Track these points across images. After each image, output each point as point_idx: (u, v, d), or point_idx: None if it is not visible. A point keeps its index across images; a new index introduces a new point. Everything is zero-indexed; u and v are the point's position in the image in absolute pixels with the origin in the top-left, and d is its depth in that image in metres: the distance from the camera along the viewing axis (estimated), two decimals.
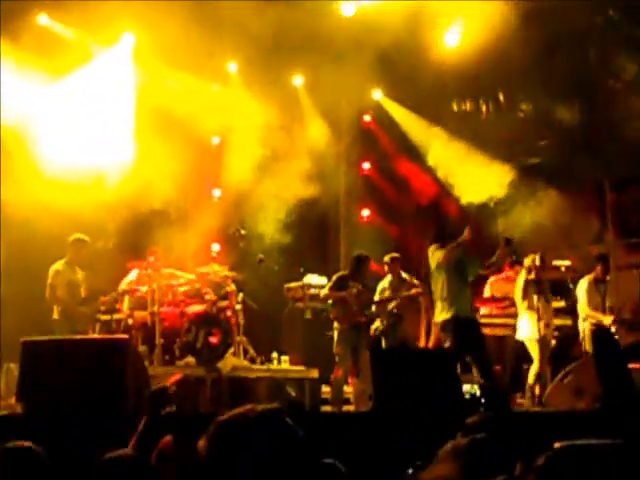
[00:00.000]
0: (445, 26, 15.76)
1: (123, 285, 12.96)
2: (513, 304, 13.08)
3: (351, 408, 12.11)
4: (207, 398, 11.41)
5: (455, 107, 17.98)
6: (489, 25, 15.63)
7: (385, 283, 13.20)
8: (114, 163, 13.87)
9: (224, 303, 13.08)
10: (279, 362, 13.28)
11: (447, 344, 10.76)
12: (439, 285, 11.05)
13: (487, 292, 13.74)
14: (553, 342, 12.69)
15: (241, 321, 13.08)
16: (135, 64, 14.74)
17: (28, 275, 13.16)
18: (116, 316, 12.61)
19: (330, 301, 12.67)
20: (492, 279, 13.58)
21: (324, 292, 12.91)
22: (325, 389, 13.04)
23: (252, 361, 12.98)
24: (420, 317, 13.31)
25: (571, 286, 12.81)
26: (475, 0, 14.71)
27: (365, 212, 18.44)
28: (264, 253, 14.39)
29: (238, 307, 13.11)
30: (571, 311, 13.00)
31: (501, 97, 17.38)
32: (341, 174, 18.19)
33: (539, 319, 12.23)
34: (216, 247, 15.45)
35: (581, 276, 13.40)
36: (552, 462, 2.44)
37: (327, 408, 12.25)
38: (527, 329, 12.43)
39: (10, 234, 13.20)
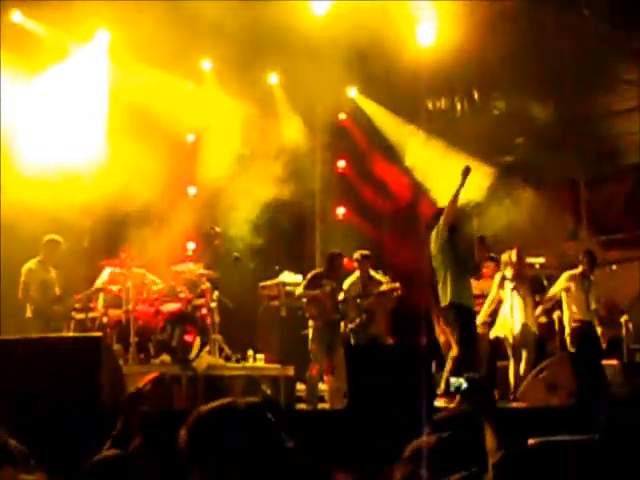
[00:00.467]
0: (420, 24, 15.77)
1: (98, 284, 12.93)
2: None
3: (326, 406, 12.11)
4: (182, 396, 11.38)
5: (430, 105, 18.02)
6: (463, 23, 15.68)
7: (353, 279, 13.17)
8: (88, 161, 13.80)
9: (199, 301, 13.06)
10: (254, 360, 13.27)
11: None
12: (441, 271, 11.09)
13: None
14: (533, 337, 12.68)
15: (216, 319, 13.05)
16: (110, 61, 14.68)
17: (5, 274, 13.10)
18: (90, 314, 12.56)
19: (305, 299, 12.67)
20: None
21: (299, 290, 12.90)
22: (300, 387, 13.04)
23: (227, 359, 12.95)
24: (388, 314, 13.36)
25: (545, 283, 12.84)
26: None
27: (340, 210, 18.46)
28: (239, 251, 14.37)
29: (213, 305, 13.08)
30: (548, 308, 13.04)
31: (476, 95, 17.43)
32: (316, 172, 18.20)
33: (512, 316, 12.29)
34: (191, 245, 15.43)
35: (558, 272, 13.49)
36: (508, 458, 2.45)
37: (302, 406, 12.25)
38: (499, 326, 12.48)
39: None
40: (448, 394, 10.02)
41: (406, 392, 8.44)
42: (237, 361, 13.06)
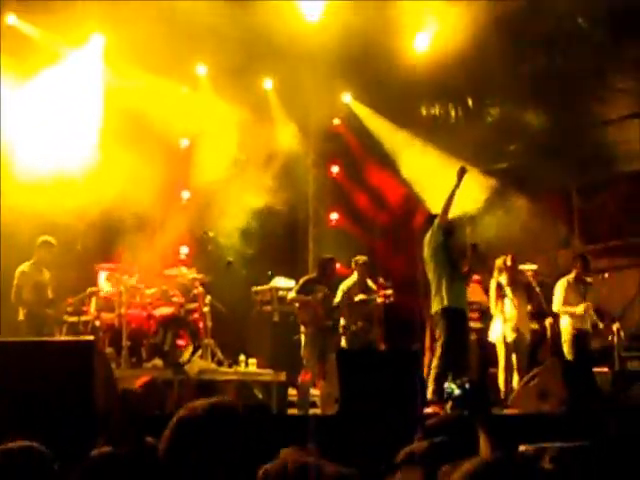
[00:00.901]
0: (415, 31, 15.80)
1: (103, 288, 12.90)
2: (477, 308, 13.17)
3: (318, 411, 12.12)
4: (174, 400, 11.37)
5: (424, 112, 18.05)
6: (458, 30, 15.70)
7: (350, 283, 13.19)
8: (82, 165, 13.80)
9: (192, 305, 13.08)
10: (246, 365, 13.27)
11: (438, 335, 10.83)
12: (434, 275, 11.08)
13: None
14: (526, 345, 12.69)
15: (209, 323, 13.06)
16: (104, 65, 14.67)
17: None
18: (83, 318, 12.56)
19: (297, 305, 12.68)
20: None
21: (291, 296, 12.91)
22: (292, 392, 13.05)
23: (219, 364, 12.96)
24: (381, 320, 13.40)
25: (538, 290, 12.86)
26: (445, 5, 14.74)
27: (334, 215, 18.48)
28: (232, 256, 14.38)
29: (206, 310, 13.09)
30: (538, 315, 13.05)
31: (470, 102, 17.46)
32: (310, 177, 18.23)
33: (505, 322, 12.33)
34: (184, 249, 15.44)
35: (551, 279, 13.51)
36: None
37: (294, 411, 12.26)
38: (495, 332, 12.51)
39: None
40: (439, 400, 10.02)
41: (398, 398, 8.45)
42: (229, 366, 13.07)
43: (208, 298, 13.19)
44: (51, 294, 12.45)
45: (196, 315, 13.00)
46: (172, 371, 11.87)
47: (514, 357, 12.29)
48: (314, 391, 12.56)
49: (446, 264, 11.01)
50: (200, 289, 13.19)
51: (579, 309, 12.76)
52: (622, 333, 13.43)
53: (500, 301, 12.49)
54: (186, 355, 12.63)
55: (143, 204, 14.41)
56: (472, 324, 13.17)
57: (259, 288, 14.78)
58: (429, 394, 10.27)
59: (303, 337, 12.50)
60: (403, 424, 6.80)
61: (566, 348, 12.84)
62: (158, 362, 12.16)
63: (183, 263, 14.13)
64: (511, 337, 12.26)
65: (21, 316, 12.19)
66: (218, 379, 12.42)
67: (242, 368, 13.16)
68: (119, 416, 5.33)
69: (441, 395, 10.25)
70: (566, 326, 12.91)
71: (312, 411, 12.00)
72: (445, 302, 10.85)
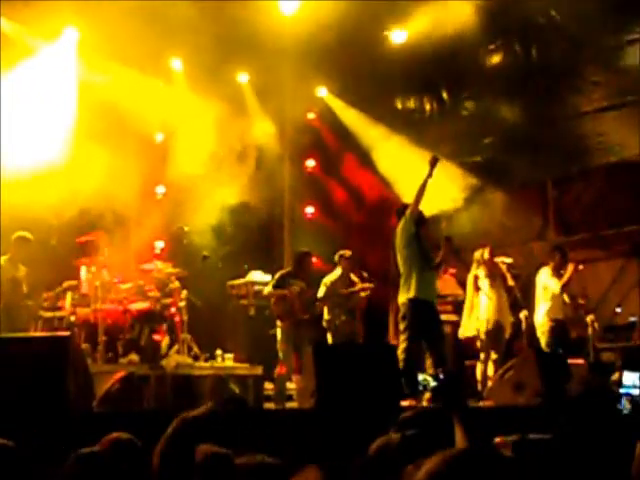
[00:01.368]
0: (390, 24, 15.82)
1: (84, 283, 12.83)
2: (452, 301, 13.22)
3: (294, 405, 12.12)
4: (151, 395, 11.35)
5: (399, 105, 18.08)
6: (434, 24, 15.74)
7: (333, 277, 13.22)
8: (56, 160, 13.73)
9: (168, 300, 13.05)
10: (223, 359, 13.26)
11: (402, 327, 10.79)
12: (405, 266, 11.05)
13: None
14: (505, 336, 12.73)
15: (185, 318, 13.04)
16: (79, 60, 14.60)
17: None
18: (59, 313, 12.49)
19: (272, 299, 12.68)
20: None
21: (266, 290, 12.91)
22: (268, 386, 13.05)
23: (196, 358, 12.95)
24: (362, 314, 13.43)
25: (513, 282, 12.90)
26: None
27: (309, 209, 18.49)
28: (208, 250, 14.36)
29: (182, 304, 13.07)
30: (513, 307, 13.10)
31: (445, 95, 17.49)
32: (285, 171, 18.22)
33: (483, 314, 12.38)
34: (160, 244, 15.40)
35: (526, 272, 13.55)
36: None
37: (270, 405, 12.26)
38: (473, 324, 12.54)
39: None
40: (411, 393, 10.03)
41: (374, 391, 8.47)
42: (205, 360, 13.05)
43: (184, 293, 13.17)
44: (26, 289, 12.38)
45: (172, 310, 12.98)
46: (148, 366, 11.84)
47: (493, 349, 12.34)
48: (290, 385, 12.57)
49: (417, 255, 10.96)
50: (176, 284, 13.16)
51: (568, 270, 12.80)
52: (597, 325, 13.51)
53: (478, 294, 12.54)
54: (162, 350, 12.62)
55: (118, 199, 14.39)
56: (447, 317, 13.22)
57: (235, 282, 14.77)
58: (405, 388, 10.28)
59: (279, 331, 12.50)
60: (378, 417, 6.81)
61: (544, 339, 12.89)
62: (134, 357, 12.12)
63: (159, 258, 14.10)
64: (489, 329, 12.31)
65: None
66: (195, 374, 12.40)
67: (218, 362, 13.14)
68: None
69: (412, 387, 10.27)
70: (543, 317, 12.96)
71: (289, 405, 12.01)
72: (413, 293, 10.79)
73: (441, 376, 10.01)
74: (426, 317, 10.78)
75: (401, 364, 10.37)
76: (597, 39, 14.92)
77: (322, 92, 17.79)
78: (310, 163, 18.61)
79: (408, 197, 11.52)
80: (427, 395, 10.17)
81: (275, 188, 17.31)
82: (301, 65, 15.28)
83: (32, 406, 7.33)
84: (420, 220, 11.03)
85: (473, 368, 12.71)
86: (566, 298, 12.94)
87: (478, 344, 12.47)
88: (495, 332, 12.36)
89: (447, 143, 15.45)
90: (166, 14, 13.63)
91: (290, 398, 12.42)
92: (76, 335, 11.84)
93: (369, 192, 17.76)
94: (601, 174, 15.01)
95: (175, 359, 12.29)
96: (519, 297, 13.00)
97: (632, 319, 14.40)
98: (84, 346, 11.71)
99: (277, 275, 12.99)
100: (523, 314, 13.00)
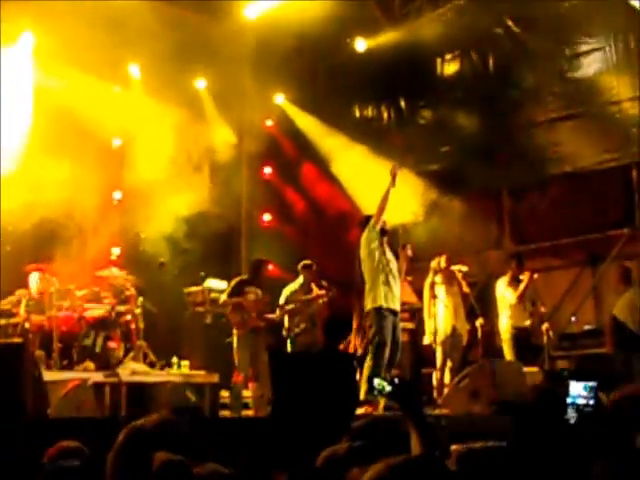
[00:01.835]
0: (349, 32, 15.87)
1: (33, 290, 12.72)
2: (409, 309, 13.25)
3: (250, 413, 12.10)
4: (106, 403, 11.28)
5: (357, 113, 18.13)
6: (390, 32, 15.83)
7: (294, 287, 13.20)
8: (10, 166, 13.62)
9: (124, 307, 12.97)
10: (179, 367, 13.19)
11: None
12: (369, 275, 11.02)
13: None
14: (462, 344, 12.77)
15: (141, 325, 12.97)
16: (34, 65, 14.48)
17: None
18: (13, 320, 12.38)
19: (228, 306, 12.66)
20: None
21: (222, 298, 12.90)
22: (224, 394, 13.01)
23: (152, 366, 12.88)
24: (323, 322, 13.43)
25: (468, 290, 12.97)
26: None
27: (266, 217, 18.47)
28: (165, 257, 14.31)
29: (138, 311, 12.99)
30: (469, 315, 13.15)
31: (402, 103, 17.55)
32: (243, 178, 18.21)
33: (440, 322, 12.42)
34: (116, 250, 15.31)
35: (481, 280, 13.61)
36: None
37: (226, 413, 12.23)
38: (430, 332, 12.58)
39: None
40: (372, 401, 10.04)
41: (329, 399, 8.46)
42: (162, 368, 12.99)
43: (140, 300, 13.10)
44: None
45: (128, 317, 12.91)
46: (103, 374, 11.76)
47: (450, 357, 12.39)
48: (247, 393, 12.55)
49: (381, 264, 11.00)
50: (132, 290, 13.10)
51: (524, 280, 12.89)
52: (551, 333, 13.59)
53: (435, 302, 12.57)
54: (118, 357, 12.54)
55: (74, 204, 14.27)
56: (404, 324, 13.23)
57: (191, 290, 14.71)
58: (362, 394, 10.28)
59: (235, 339, 12.48)
60: (336, 426, 6.82)
61: (506, 348, 12.96)
62: (89, 364, 12.04)
63: (115, 264, 14.02)
64: (446, 337, 12.36)
65: None
66: (150, 381, 12.34)
67: (175, 370, 13.09)
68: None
69: (374, 395, 10.27)
70: (505, 325, 13.03)
71: (244, 413, 11.99)
72: (378, 302, 10.84)
73: (396, 381, 10.01)
74: (389, 325, 10.82)
75: (368, 370, 10.41)
76: (553, 49, 15.05)
77: (279, 99, 17.81)
78: (267, 170, 18.60)
79: (367, 205, 11.55)
80: (382, 402, 10.18)
81: (232, 195, 17.27)
82: (259, 72, 15.28)
83: None
84: (383, 230, 11.06)
85: (430, 376, 12.74)
86: (529, 306, 13.03)
87: (437, 352, 12.50)
88: (452, 340, 12.41)
89: (404, 152, 15.49)
90: (124, 21, 13.58)
91: (246, 406, 12.40)
92: (30, 342, 11.74)
93: (327, 200, 17.76)
94: (557, 183, 15.11)
95: (130, 366, 12.22)
96: (475, 305, 13.07)
97: (587, 327, 14.51)
98: (39, 353, 11.61)
99: (232, 283, 12.97)
100: (479, 322, 13.05)
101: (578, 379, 6.14)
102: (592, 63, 14.62)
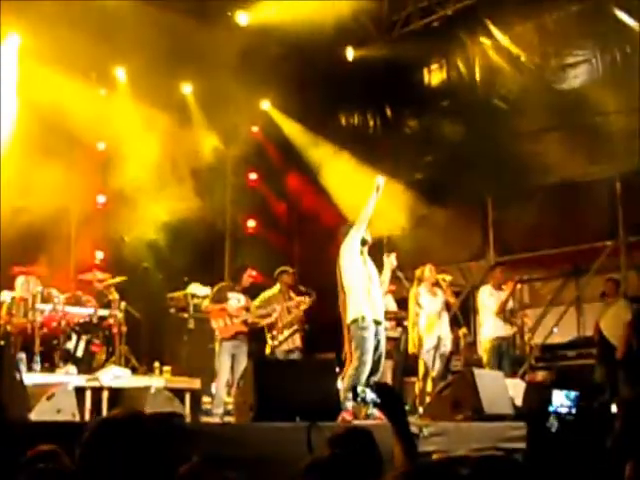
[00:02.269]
0: (335, 39, 15.88)
1: (16, 292, 12.65)
2: (392, 318, 13.25)
3: (232, 419, 12.07)
4: (87, 407, 11.23)
5: (343, 120, 18.15)
6: (377, 40, 15.85)
7: (271, 293, 13.16)
8: None
9: (106, 311, 12.94)
10: (161, 372, 13.14)
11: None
12: (350, 285, 10.89)
13: None
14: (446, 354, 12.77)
15: (123, 330, 12.93)
16: (20, 67, 14.42)
17: None
18: None
19: (211, 312, 12.65)
20: None
21: (205, 304, 12.89)
22: (206, 400, 12.98)
23: (134, 370, 12.84)
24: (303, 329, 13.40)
25: (452, 300, 12.97)
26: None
27: (251, 223, 18.46)
28: (148, 261, 14.28)
29: (120, 315, 12.96)
30: (452, 325, 13.16)
31: (388, 112, 17.59)
32: (228, 184, 18.20)
33: (424, 332, 12.42)
34: (99, 254, 15.27)
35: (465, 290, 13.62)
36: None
37: (208, 419, 12.19)
38: (414, 341, 12.56)
39: None
40: (348, 409, 10.00)
41: (312, 407, 8.45)
42: (143, 373, 12.96)
43: (123, 304, 13.07)
44: None
45: (110, 321, 12.87)
46: (85, 378, 11.72)
47: (435, 366, 12.38)
48: (228, 399, 12.52)
49: (362, 274, 10.91)
50: (115, 295, 13.06)
51: (507, 289, 12.94)
52: (534, 343, 13.63)
53: (419, 311, 12.56)
54: (99, 361, 12.50)
55: (58, 208, 14.23)
56: (388, 333, 13.22)
57: (174, 295, 14.68)
58: (343, 402, 10.24)
59: (217, 345, 12.46)
60: (315, 433, 6.82)
61: (486, 357, 12.98)
62: (71, 368, 11.99)
63: (98, 268, 13.99)
64: (430, 347, 12.35)
65: None
66: (132, 386, 12.30)
67: (157, 375, 13.04)
68: None
69: (357, 402, 10.24)
70: (487, 335, 13.05)
71: (226, 419, 11.95)
72: (359, 312, 10.72)
73: (377, 387, 9.97)
74: (372, 335, 10.70)
75: (349, 380, 10.34)
76: (539, 61, 15.12)
77: (265, 105, 17.83)
78: (252, 176, 18.59)
79: (352, 212, 11.49)
80: (364, 410, 10.16)
81: (217, 200, 17.27)
82: (246, 78, 15.27)
83: None
84: (364, 240, 10.96)
85: (413, 384, 12.74)
86: (509, 316, 13.06)
87: (421, 361, 12.48)
88: (435, 349, 12.40)
89: (389, 160, 15.49)
90: (110, 24, 13.57)
91: (228, 412, 12.37)
92: (12, 345, 11.69)
93: (312, 207, 17.75)
94: (541, 194, 15.14)
95: (112, 371, 12.17)
96: (458, 315, 13.07)
97: (569, 338, 14.57)
98: (20, 356, 11.56)
99: (215, 289, 12.97)
100: (462, 331, 13.06)
101: (560, 388, 6.16)
102: (578, 75, 14.68)
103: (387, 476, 2.38)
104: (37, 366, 11.73)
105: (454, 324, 13.00)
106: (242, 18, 15.40)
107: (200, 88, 16.79)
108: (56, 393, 9.10)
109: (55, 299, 12.64)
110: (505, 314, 13.05)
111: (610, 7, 13.91)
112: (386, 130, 17.53)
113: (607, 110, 14.11)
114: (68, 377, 11.43)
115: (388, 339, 12.98)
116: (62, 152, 14.11)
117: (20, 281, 12.59)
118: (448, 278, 12.90)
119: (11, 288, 12.61)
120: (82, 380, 11.50)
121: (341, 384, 10.15)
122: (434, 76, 16.91)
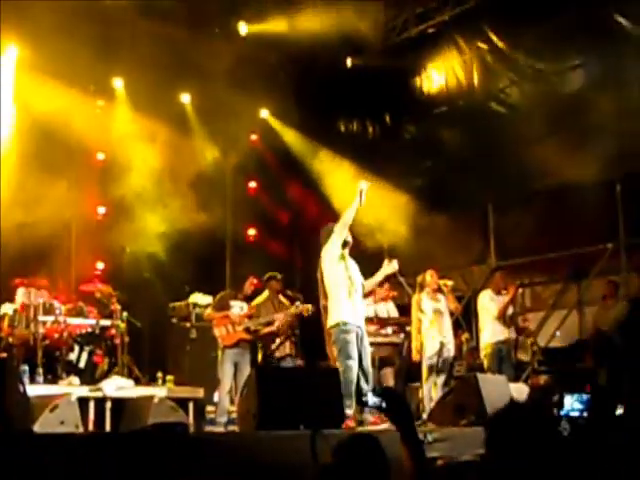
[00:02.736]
0: (333, 46, 15.91)
1: (18, 304, 12.66)
2: (394, 323, 13.24)
3: (236, 428, 12.05)
4: (90, 418, 11.22)
5: (342, 127, 18.17)
6: (376, 47, 15.87)
7: (262, 299, 13.07)
8: None
9: (108, 322, 12.94)
10: (164, 381, 13.14)
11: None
12: (331, 289, 10.78)
13: (369, 312, 13.80)
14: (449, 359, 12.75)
15: (125, 340, 12.93)
16: (17, 78, 14.42)
17: None
18: None
19: (213, 321, 12.63)
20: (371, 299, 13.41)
21: (207, 313, 12.88)
22: (210, 409, 12.97)
23: (137, 380, 12.83)
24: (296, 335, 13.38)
25: (454, 305, 12.95)
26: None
27: (251, 231, 18.46)
28: (149, 271, 14.29)
29: (122, 326, 12.96)
30: (455, 330, 13.14)
31: (387, 118, 17.60)
32: (228, 193, 18.21)
33: (427, 337, 12.39)
34: (101, 265, 15.27)
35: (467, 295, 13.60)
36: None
37: (211, 428, 12.18)
38: (417, 347, 12.54)
39: None
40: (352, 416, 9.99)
41: (316, 414, 8.44)
42: (146, 383, 12.95)
43: (125, 314, 13.07)
44: None
45: (112, 331, 12.88)
46: (88, 388, 11.71)
47: (439, 371, 12.36)
48: (232, 407, 12.50)
49: (344, 277, 10.74)
50: (116, 305, 13.06)
51: (509, 294, 12.93)
52: (536, 348, 13.62)
53: (422, 317, 12.53)
54: (102, 372, 12.50)
55: (59, 219, 14.23)
56: (390, 339, 13.22)
57: (176, 304, 14.68)
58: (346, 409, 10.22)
59: (220, 353, 12.45)
60: (319, 441, 6.80)
61: (486, 362, 12.95)
62: (74, 379, 11.99)
63: (99, 279, 13.99)
64: (433, 353, 12.32)
65: None
66: (135, 396, 12.29)
67: (159, 385, 13.04)
68: None
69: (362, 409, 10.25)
70: (488, 340, 13.03)
71: (230, 428, 11.94)
72: (342, 317, 10.55)
73: (383, 393, 9.93)
74: (356, 339, 10.54)
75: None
76: (538, 65, 15.12)
77: (264, 113, 17.85)
78: (252, 185, 18.60)
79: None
80: (357, 416, 10.17)
81: (217, 209, 17.26)
82: (244, 86, 15.28)
83: None
84: (346, 242, 10.79)
85: (416, 390, 12.72)
86: (509, 321, 13.05)
87: (425, 367, 12.45)
88: (439, 354, 12.37)
89: (389, 167, 15.50)
90: (108, 34, 13.59)
91: (232, 421, 12.35)
92: (15, 356, 11.70)
93: (312, 215, 17.75)
94: (541, 199, 15.14)
95: (115, 381, 12.17)
96: (461, 320, 13.05)
97: (571, 342, 14.56)
98: (23, 368, 11.56)
99: (217, 297, 12.96)
100: (464, 337, 13.06)
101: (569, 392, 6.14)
102: (577, 79, 14.69)
103: None
104: (40, 378, 11.74)
105: (457, 329, 12.99)
106: (241, 28, 15.43)
107: (199, 98, 16.81)
108: (59, 405, 9.11)
109: (57, 310, 12.65)
110: (505, 318, 13.03)
111: (608, 11, 13.91)
112: (385, 137, 17.54)
113: (606, 114, 14.10)
114: (71, 388, 11.43)
115: (390, 345, 13.01)
116: (62, 164, 14.13)
117: (21, 292, 12.61)
118: (450, 283, 12.87)
119: (13, 300, 12.62)
120: (85, 391, 11.51)
121: None
122: (432, 82, 16.92)
